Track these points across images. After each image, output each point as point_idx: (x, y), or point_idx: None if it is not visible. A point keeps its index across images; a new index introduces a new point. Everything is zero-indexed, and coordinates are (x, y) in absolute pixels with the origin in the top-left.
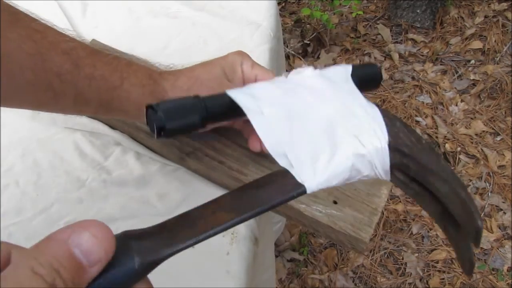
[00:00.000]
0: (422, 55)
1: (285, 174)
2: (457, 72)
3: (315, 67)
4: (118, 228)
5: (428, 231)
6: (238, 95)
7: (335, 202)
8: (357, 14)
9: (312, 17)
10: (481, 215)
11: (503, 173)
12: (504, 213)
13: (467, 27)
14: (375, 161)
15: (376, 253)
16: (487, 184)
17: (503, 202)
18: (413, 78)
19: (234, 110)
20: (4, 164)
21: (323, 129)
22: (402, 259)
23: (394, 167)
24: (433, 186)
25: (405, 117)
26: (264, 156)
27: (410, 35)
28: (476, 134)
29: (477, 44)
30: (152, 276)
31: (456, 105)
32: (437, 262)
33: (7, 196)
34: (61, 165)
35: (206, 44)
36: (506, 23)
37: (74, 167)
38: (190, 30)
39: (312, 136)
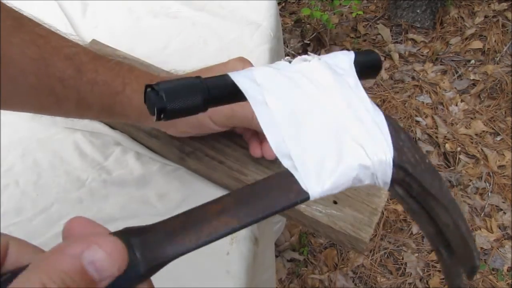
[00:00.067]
0: (422, 55)
1: (289, 177)
2: (457, 72)
3: (314, 55)
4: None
5: None
6: (240, 79)
7: (335, 202)
8: (357, 14)
9: (312, 17)
10: (481, 215)
11: (503, 173)
12: (504, 213)
13: (467, 27)
14: (378, 173)
15: (376, 253)
16: (487, 184)
17: (503, 202)
18: (413, 78)
19: (236, 94)
20: (4, 164)
21: (330, 133)
22: (402, 259)
23: (395, 181)
24: (434, 212)
25: (405, 117)
26: None
27: (410, 35)
28: (476, 134)
29: (477, 44)
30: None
31: (456, 105)
32: (437, 262)
33: (7, 196)
34: (61, 165)
35: (206, 44)
36: (506, 23)
37: (74, 167)
38: (190, 30)
39: (318, 139)
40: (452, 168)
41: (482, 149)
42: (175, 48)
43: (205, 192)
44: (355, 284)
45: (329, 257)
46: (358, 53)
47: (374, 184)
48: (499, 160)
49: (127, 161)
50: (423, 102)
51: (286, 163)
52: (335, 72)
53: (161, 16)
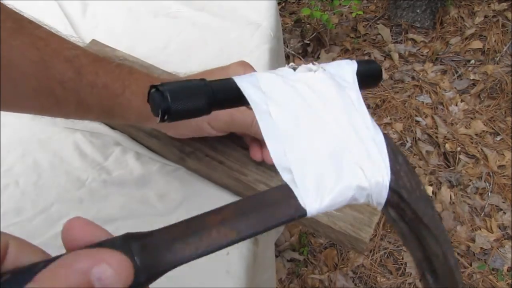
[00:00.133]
0: (422, 55)
1: (288, 193)
2: (457, 72)
3: (319, 64)
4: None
5: None
6: (245, 85)
7: None
8: (357, 14)
9: (312, 17)
10: (481, 215)
11: (503, 173)
12: (504, 213)
13: (467, 27)
14: (373, 194)
15: (376, 253)
16: (487, 184)
17: (503, 202)
18: (413, 78)
19: (240, 98)
20: (4, 164)
21: (331, 150)
22: (402, 259)
23: (389, 204)
24: (425, 240)
25: (405, 117)
26: None
27: (410, 35)
28: (476, 134)
29: (477, 44)
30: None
31: (456, 105)
32: None
33: (7, 196)
34: (61, 165)
35: (206, 44)
36: (506, 23)
37: (74, 167)
38: (190, 30)
39: (319, 156)
40: (452, 168)
41: (482, 149)
42: (175, 48)
43: (205, 192)
44: (355, 284)
45: (329, 257)
46: (359, 62)
47: (368, 203)
48: (499, 160)
49: (127, 161)
50: (423, 102)
51: (286, 177)
52: (339, 85)
53: (161, 16)
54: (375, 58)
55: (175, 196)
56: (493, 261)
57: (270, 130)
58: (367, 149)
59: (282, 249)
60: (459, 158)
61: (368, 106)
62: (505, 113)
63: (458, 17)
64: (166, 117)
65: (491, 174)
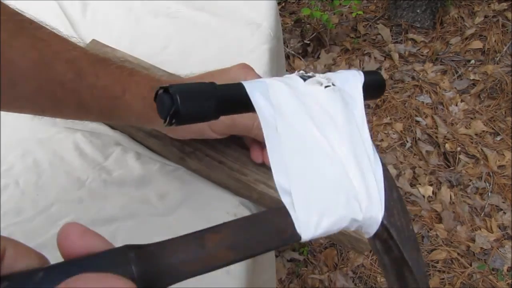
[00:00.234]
0: (422, 55)
1: (285, 217)
2: (457, 72)
3: (327, 75)
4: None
5: (428, 231)
6: (255, 94)
7: None
8: (357, 14)
9: (312, 17)
10: (481, 215)
11: (503, 173)
12: (504, 213)
13: (467, 27)
14: (364, 225)
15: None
16: (487, 184)
17: (503, 202)
18: (413, 78)
19: (247, 105)
20: (4, 164)
21: (333, 179)
22: None
23: (377, 237)
24: (405, 279)
25: (405, 117)
26: None
27: (410, 35)
28: (476, 134)
29: (477, 44)
30: None
31: (456, 105)
32: (437, 262)
33: (7, 196)
34: (61, 165)
35: (206, 44)
36: (506, 23)
37: (74, 167)
38: (190, 30)
39: (321, 184)
40: (452, 168)
41: (482, 149)
42: (175, 48)
43: (205, 192)
44: (355, 284)
45: (329, 257)
46: (365, 73)
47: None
48: (499, 160)
49: (127, 161)
50: (423, 102)
51: (285, 199)
52: (346, 106)
53: (161, 16)
54: (375, 58)
55: (175, 196)
56: (493, 261)
57: (276, 147)
58: (366, 182)
59: (282, 249)
60: (459, 158)
61: (368, 106)
62: (505, 113)
63: (458, 17)
64: (174, 121)
65: (491, 174)
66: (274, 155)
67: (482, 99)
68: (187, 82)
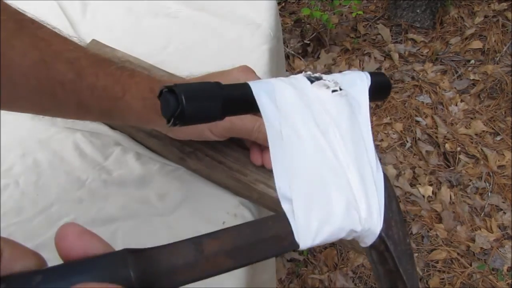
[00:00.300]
0: (422, 55)
1: (284, 225)
2: (457, 72)
3: (333, 77)
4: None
5: (428, 231)
6: (261, 95)
7: None
8: (357, 14)
9: (312, 17)
10: (481, 215)
11: (503, 173)
12: (504, 213)
13: (467, 27)
14: (362, 237)
15: None
16: (487, 184)
17: (503, 202)
18: (413, 78)
19: (252, 106)
20: (4, 164)
21: (334, 189)
22: None
23: (373, 248)
24: None
25: (405, 117)
26: None
27: (410, 35)
28: (476, 134)
29: (477, 44)
30: None
31: (456, 105)
32: (437, 262)
33: (7, 196)
34: (61, 165)
35: (206, 44)
36: (506, 23)
37: (74, 167)
38: (190, 30)
39: (322, 194)
40: (452, 168)
41: (482, 149)
42: (175, 48)
43: (205, 192)
44: (355, 284)
45: (329, 257)
46: (371, 74)
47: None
48: (499, 160)
49: (127, 161)
50: (423, 102)
51: (285, 206)
52: (352, 112)
53: (161, 16)
54: (375, 58)
55: (175, 196)
56: (493, 261)
57: (279, 153)
58: (367, 194)
59: None
60: (459, 158)
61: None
62: (505, 113)
63: (458, 17)
64: (178, 121)
65: (491, 174)
66: (277, 161)
67: (482, 99)
68: (192, 82)
